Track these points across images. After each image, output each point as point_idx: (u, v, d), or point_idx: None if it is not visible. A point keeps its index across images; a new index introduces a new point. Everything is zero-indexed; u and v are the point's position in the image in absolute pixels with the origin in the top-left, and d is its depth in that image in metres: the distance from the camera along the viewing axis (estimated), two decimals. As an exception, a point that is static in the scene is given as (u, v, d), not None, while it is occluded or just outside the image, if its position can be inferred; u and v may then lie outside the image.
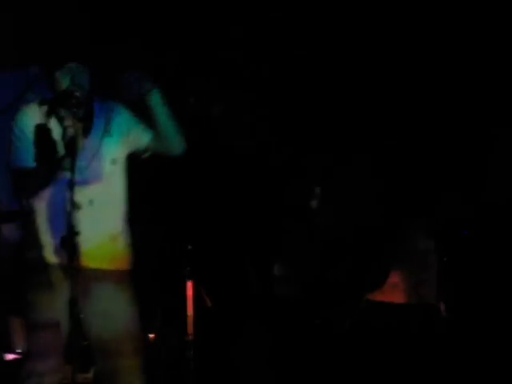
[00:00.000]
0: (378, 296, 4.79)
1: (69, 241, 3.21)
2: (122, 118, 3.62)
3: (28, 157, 3.39)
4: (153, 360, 4.80)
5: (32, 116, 3.48)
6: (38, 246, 3.49)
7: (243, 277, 5.47)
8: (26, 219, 3.56)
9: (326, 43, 5.34)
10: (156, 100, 3.52)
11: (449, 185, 4.93)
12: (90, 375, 4.30)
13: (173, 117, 3.59)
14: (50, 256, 3.48)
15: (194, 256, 5.03)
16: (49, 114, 3.46)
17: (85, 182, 3.45)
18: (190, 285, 4.82)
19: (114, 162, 3.57)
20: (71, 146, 3.33)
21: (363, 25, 5.23)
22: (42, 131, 3.38)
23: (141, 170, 3.84)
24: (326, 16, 5.30)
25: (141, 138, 3.63)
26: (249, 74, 5.48)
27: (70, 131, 3.38)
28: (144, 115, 3.60)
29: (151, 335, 4.88)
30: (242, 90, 5.54)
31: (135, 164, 3.71)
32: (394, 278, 4.82)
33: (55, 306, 3.42)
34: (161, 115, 3.55)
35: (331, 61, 5.36)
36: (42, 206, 3.48)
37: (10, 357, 4.82)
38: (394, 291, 4.79)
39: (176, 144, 3.64)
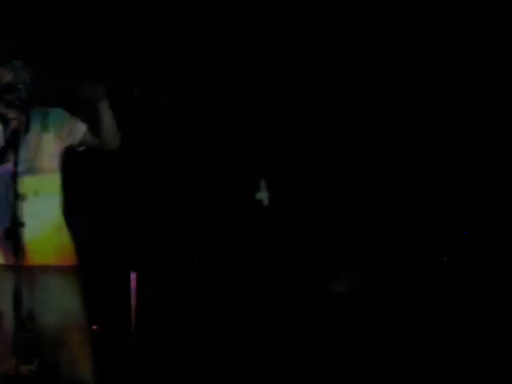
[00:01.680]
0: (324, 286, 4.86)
1: (13, 231, 3.20)
2: (57, 114, 3.64)
3: None
4: (97, 351, 4.79)
5: None
6: None
7: (187, 267, 5.50)
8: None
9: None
10: (105, 105, 3.57)
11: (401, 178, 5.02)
12: (33, 367, 4.28)
13: (113, 115, 3.64)
14: None
15: (137, 247, 5.04)
16: None
17: (29, 173, 3.45)
18: (133, 276, 4.83)
19: (54, 155, 3.59)
20: (14, 137, 3.34)
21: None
22: None
23: (83, 162, 3.86)
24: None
25: (74, 132, 3.66)
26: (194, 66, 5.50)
27: (14, 123, 3.40)
28: (80, 111, 3.64)
29: (95, 326, 4.87)
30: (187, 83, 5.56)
31: (76, 156, 3.73)
32: (344, 269, 4.88)
33: None
34: (105, 117, 3.59)
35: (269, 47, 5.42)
36: None
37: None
38: (344, 281, 4.85)
39: (114, 141, 3.69)
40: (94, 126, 3.61)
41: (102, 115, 3.59)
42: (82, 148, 3.72)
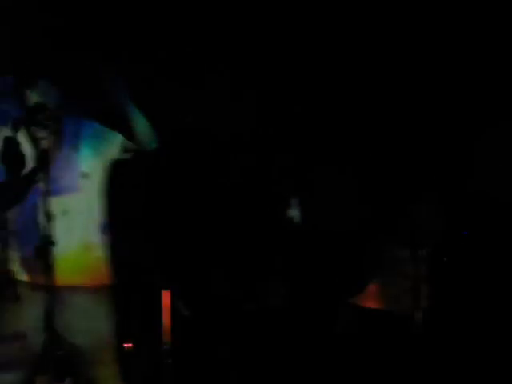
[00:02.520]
0: (360, 302, 4.82)
1: (43, 250, 3.22)
2: (91, 131, 3.65)
3: None
4: (130, 369, 4.80)
5: None
6: (4, 259, 3.48)
7: (219, 284, 5.49)
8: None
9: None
10: (132, 106, 3.58)
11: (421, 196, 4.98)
12: (65, 385, 4.30)
13: (145, 117, 3.64)
14: (18, 269, 3.48)
15: (169, 265, 5.05)
16: (17, 128, 3.48)
17: (58, 193, 3.46)
18: (165, 294, 4.83)
19: (86, 174, 3.59)
20: (44, 157, 3.36)
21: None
22: (11, 144, 3.41)
23: (116, 182, 3.87)
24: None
25: (113, 143, 3.67)
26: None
27: (44, 143, 3.42)
28: (112, 120, 3.65)
29: (128, 344, 4.88)
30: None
31: (113, 173, 3.75)
32: (375, 285, 4.85)
33: (22, 319, 3.42)
34: (137, 120, 3.60)
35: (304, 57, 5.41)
36: (10, 218, 3.49)
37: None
38: (374, 298, 4.82)
39: (150, 140, 3.69)
40: (129, 131, 3.60)
41: (133, 117, 3.60)
42: (124, 155, 3.72)
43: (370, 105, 5.37)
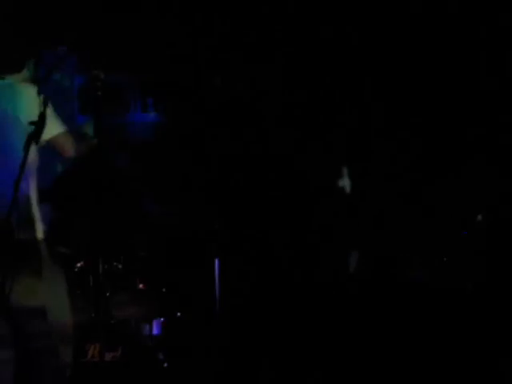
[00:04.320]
0: (407, 272, 4.80)
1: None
2: None
3: None
4: (182, 337, 4.87)
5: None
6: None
7: (270, 255, 5.51)
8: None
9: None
10: None
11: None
12: (118, 353, 4.36)
13: None
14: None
15: (221, 234, 5.07)
16: None
17: None
18: (217, 263, 4.86)
19: None
20: None
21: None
22: None
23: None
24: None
25: None
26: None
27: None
28: None
29: (178, 313, 4.94)
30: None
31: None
32: (422, 255, 4.82)
33: (46, 292, 3.47)
34: None
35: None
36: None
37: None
38: (422, 268, 4.79)
39: None
40: None
41: None
42: None
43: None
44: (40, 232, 3.48)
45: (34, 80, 3.65)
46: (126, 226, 4.92)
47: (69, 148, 3.66)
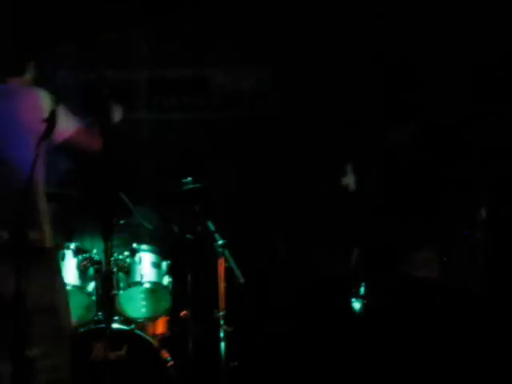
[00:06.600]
0: (410, 270, 4.78)
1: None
2: None
3: None
4: (185, 335, 4.86)
5: None
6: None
7: (274, 252, 5.51)
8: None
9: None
10: None
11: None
12: (122, 353, 4.36)
13: None
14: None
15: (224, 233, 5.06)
16: None
17: None
18: (220, 261, 4.84)
19: None
20: None
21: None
22: None
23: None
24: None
25: None
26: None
27: None
28: None
29: (183, 312, 4.93)
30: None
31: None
32: (428, 253, 4.80)
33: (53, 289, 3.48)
34: None
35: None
36: None
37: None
38: (426, 266, 4.77)
39: None
40: None
41: None
42: None
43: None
44: (49, 230, 3.50)
45: (37, 81, 3.66)
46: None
47: (91, 143, 3.66)
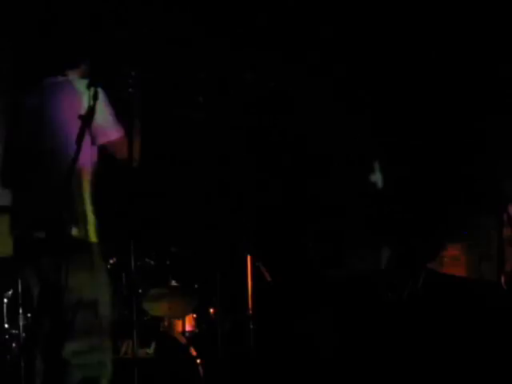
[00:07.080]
0: (439, 268, 4.75)
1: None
2: None
3: None
4: (213, 334, 4.87)
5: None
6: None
7: (303, 252, 5.49)
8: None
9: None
10: None
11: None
12: (151, 350, 4.39)
13: None
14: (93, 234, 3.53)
15: (253, 231, 5.06)
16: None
17: None
18: (249, 259, 4.85)
19: None
20: None
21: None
22: None
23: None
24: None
25: None
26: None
27: None
28: None
29: (211, 310, 4.94)
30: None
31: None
32: (455, 251, 4.77)
33: (95, 284, 3.48)
34: None
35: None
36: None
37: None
38: (454, 264, 4.75)
39: None
40: None
41: None
42: None
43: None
44: (92, 227, 3.50)
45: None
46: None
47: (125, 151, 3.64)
